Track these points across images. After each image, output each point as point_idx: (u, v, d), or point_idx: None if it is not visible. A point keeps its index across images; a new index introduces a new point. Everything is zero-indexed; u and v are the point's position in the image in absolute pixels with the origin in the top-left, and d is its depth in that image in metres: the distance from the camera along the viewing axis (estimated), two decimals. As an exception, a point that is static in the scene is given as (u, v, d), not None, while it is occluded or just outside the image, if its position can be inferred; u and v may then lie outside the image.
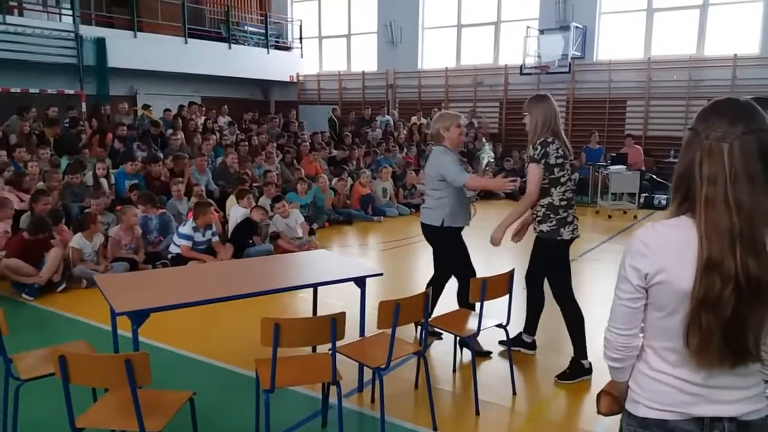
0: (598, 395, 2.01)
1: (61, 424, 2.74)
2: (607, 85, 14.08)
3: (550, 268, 4.07)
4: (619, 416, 2.01)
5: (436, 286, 4.53)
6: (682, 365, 1.57)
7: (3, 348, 2.93)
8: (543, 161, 3.84)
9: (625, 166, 11.38)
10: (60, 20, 13.77)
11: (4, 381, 3.06)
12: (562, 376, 3.98)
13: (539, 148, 3.85)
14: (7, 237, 6.27)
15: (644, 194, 11.64)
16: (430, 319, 3.68)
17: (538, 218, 3.99)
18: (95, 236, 6.39)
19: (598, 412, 2.03)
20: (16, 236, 6.13)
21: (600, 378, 3.36)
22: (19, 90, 12.15)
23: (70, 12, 13.38)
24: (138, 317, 2.97)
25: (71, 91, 13.07)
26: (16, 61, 12.05)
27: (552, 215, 3.92)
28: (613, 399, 1.92)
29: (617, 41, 14.23)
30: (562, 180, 3.91)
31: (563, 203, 3.94)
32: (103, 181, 8.48)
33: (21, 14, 13.22)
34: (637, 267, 1.58)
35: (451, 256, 4.43)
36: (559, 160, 3.87)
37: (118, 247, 6.59)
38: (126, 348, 3.32)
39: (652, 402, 1.62)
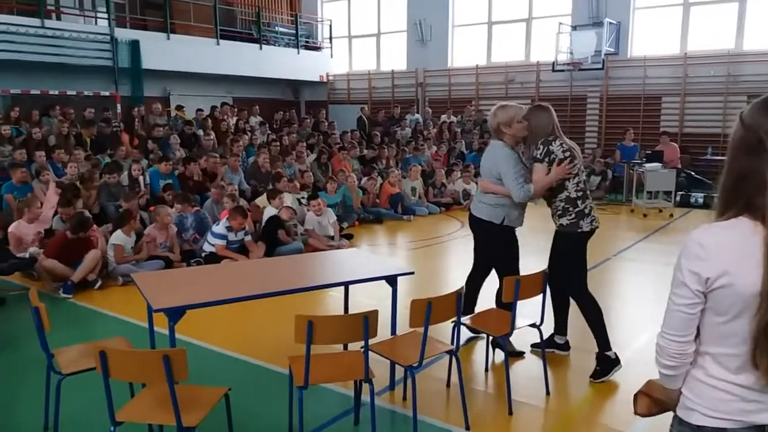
0: (636, 396, 1.98)
1: (100, 417, 2.81)
2: (642, 81, 13.82)
3: (570, 262, 4.05)
4: (656, 418, 1.97)
5: (475, 282, 4.51)
6: (744, 371, 1.49)
7: (45, 343, 3.00)
8: (547, 159, 3.91)
9: (660, 164, 11.16)
10: (96, 23, 14.09)
11: (46, 375, 3.15)
12: (595, 375, 3.94)
13: (541, 147, 3.95)
14: (39, 237, 6.40)
15: (680, 192, 11.40)
16: (465, 319, 3.67)
17: (558, 212, 4.04)
18: (132, 233, 6.53)
19: (636, 413, 1.99)
20: (57, 235, 6.27)
21: (635, 378, 3.30)
22: (57, 92, 12.46)
23: (106, 15, 13.66)
24: (174, 314, 3.02)
25: (107, 93, 13.34)
26: (54, 64, 12.36)
27: (571, 208, 3.97)
28: (652, 400, 1.89)
29: (652, 36, 13.96)
30: (575, 171, 3.96)
31: (579, 194, 3.98)
32: (140, 180, 8.65)
33: (59, 18, 13.56)
34: (696, 271, 1.50)
35: (502, 252, 4.31)
36: (566, 153, 3.91)
37: (153, 245, 6.71)
38: (162, 344, 3.38)
39: (708, 410, 1.56)
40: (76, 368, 2.98)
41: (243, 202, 8.47)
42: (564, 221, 4.00)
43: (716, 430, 1.54)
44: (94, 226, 6.70)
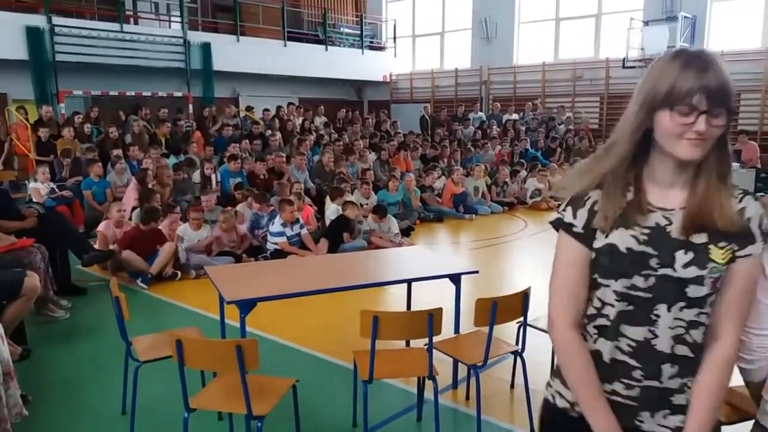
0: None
1: (173, 403, 2.93)
2: (719, 77, 13.20)
3: None
4: (736, 426, 1.89)
5: None
6: None
7: (124, 331, 3.16)
8: None
9: (738, 164, 10.64)
10: (170, 27, 14.67)
11: (124, 362, 3.31)
12: None
13: None
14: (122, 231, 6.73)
15: (760, 194, 10.84)
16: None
17: None
18: (203, 228, 6.80)
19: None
20: (131, 228, 6.58)
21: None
22: (133, 93, 13.07)
23: (179, 19, 14.21)
24: (246, 306, 3.12)
25: (179, 94, 13.88)
26: (131, 66, 12.97)
27: None
28: (731, 408, 1.83)
29: (730, 30, 13.32)
30: None
31: None
32: (212, 178, 8.97)
33: (136, 22, 14.20)
34: None
35: None
36: None
37: (221, 243, 6.94)
38: (231, 336, 3.49)
39: None
40: (153, 356, 3.12)
41: (307, 200, 8.64)
42: None
43: None
44: (178, 222, 7.02)
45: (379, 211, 7.96)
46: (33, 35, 11.72)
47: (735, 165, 10.30)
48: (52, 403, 3.63)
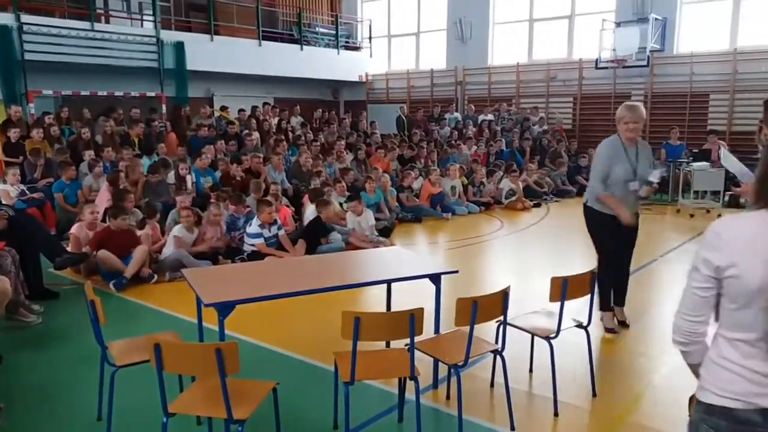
0: (691, 398, 1.95)
1: (151, 408, 2.89)
2: (689, 78, 13.46)
3: None
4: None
5: (602, 276, 4.48)
6: (753, 356, 1.56)
7: (100, 335, 3.10)
8: None
9: (708, 163, 10.86)
10: (142, 26, 14.45)
11: (100, 367, 3.25)
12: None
13: None
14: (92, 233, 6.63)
15: (729, 192, 11.06)
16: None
17: None
18: (194, 229, 6.81)
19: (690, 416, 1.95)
20: (101, 229, 6.46)
21: (687, 381, 3.22)
22: (105, 93, 12.84)
23: (152, 18, 14.01)
24: (224, 309, 3.08)
25: (152, 94, 13.69)
26: (102, 66, 12.73)
27: None
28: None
29: (700, 32, 13.59)
30: None
31: None
32: (188, 179, 8.87)
33: (107, 21, 13.95)
34: (708, 259, 1.58)
35: (594, 237, 4.61)
36: None
37: (202, 240, 6.89)
38: (209, 339, 3.45)
39: (719, 389, 1.61)
40: (130, 360, 3.06)
41: (284, 200, 8.59)
42: None
43: (723, 409, 1.59)
44: (156, 224, 6.93)
45: (355, 197, 8.13)
46: (1, 34, 11.43)
47: (704, 164, 10.59)
48: (25, 411, 3.55)
